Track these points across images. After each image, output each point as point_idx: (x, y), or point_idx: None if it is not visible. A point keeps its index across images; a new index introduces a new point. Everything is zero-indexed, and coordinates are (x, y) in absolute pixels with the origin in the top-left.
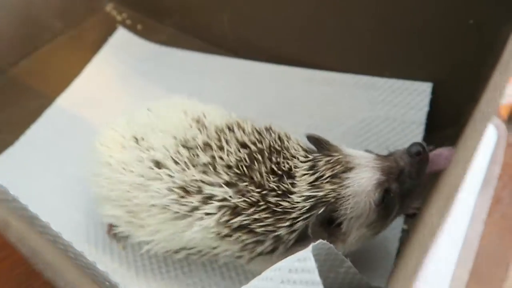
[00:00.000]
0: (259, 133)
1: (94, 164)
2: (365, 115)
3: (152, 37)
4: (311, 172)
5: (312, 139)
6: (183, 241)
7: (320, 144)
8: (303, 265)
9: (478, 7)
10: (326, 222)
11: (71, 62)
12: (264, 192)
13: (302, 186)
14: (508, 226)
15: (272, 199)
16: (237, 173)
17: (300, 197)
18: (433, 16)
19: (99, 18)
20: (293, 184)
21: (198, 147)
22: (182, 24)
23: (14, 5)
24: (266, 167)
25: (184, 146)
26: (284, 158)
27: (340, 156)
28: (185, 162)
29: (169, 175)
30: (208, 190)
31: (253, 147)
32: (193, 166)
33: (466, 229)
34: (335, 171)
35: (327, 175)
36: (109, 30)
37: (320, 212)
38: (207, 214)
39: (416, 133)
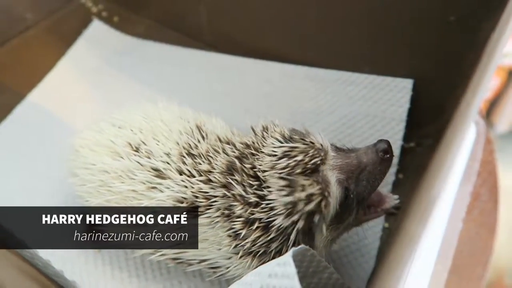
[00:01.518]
0: (244, 146)
1: (79, 169)
2: (345, 111)
3: (129, 29)
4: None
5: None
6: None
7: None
8: (283, 270)
9: (459, 4)
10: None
11: (43, 56)
12: (249, 208)
13: (274, 192)
14: (486, 223)
15: (257, 215)
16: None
17: (277, 203)
18: (415, 13)
19: (73, 10)
20: (264, 190)
21: (201, 155)
22: (160, 17)
23: None
24: (243, 184)
25: (188, 154)
26: (257, 160)
27: (312, 152)
28: (189, 171)
29: (171, 188)
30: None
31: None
32: (197, 175)
33: (445, 227)
34: (309, 167)
35: (300, 170)
36: (83, 22)
37: (318, 218)
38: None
39: (396, 130)
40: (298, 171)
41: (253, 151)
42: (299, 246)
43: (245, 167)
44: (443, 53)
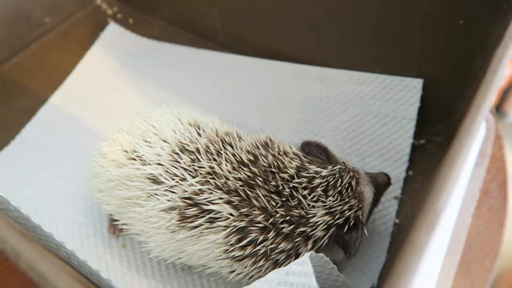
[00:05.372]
0: (257, 148)
1: (94, 178)
2: (357, 110)
3: (144, 31)
4: (325, 186)
5: (312, 145)
6: (193, 259)
7: (319, 152)
8: (301, 268)
9: (468, 8)
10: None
11: (62, 58)
12: (271, 219)
13: (317, 204)
14: (495, 218)
15: (286, 229)
16: (238, 196)
17: (319, 216)
18: (425, 16)
19: (90, 12)
20: (301, 205)
21: (200, 151)
22: (174, 18)
23: (2, 1)
24: (266, 191)
25: (183, 150)
26: (284, 179)
27: (346, 168)
28: (184, 169)
29: (166, 194)
30: (209, 208)
31: (250, 170)
32: (194, 175)
33: (454, 222)
34: (352, 183)
35: (345, 188)
36: (100, 25)
37: (360, 231)
38: (211, 232)
39: (407, 129)
40: (341, 189)
41: (273, 169)
42: (317, 254)
43: (267, 184)
44: (452, 54)
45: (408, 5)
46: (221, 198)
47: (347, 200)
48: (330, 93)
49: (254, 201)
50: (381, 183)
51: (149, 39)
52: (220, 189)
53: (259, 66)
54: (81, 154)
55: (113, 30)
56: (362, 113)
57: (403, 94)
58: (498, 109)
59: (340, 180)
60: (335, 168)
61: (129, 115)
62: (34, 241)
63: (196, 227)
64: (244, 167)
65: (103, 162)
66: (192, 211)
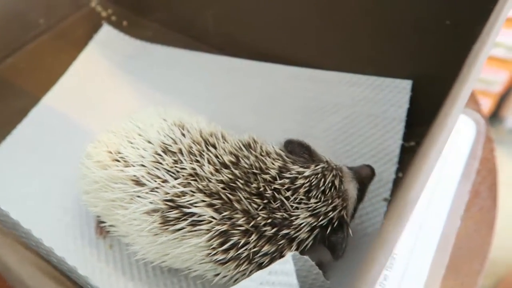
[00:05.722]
0: (240, 149)
1: (83, 181)
2: (348, 111)
3: (138, 33)
4: (307, 186)
5: (294, 144)
6: (177, 262)
7: (302, 150)
8: (282, 267)
9: (454, 9)
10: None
11: (57, 60)
12: (253, 222)
13: (300, 205)
14: (485, 220)
15: (268, 231)
16: (219, 199)
17: (303, 218)
18: (413, 17)
19: (84, 14)
20: (284, 207)
21: (183, 152)
22: (167, 20)
23: None
24: (247, 194)
25: (165, 152)
26: (265, 181)
27: (329, 167)
28: (167, 170)
29: (148, 196)
30: (190, 210)
31: (231, 172)
32: (176, 177)
33: (443, 223)
34: (335, 182)
35: (328, 187)
36: (94, 27)
37: (345, 232)
38: (193, 235)
39: (397, 129)
40: (325, 188)
41: (255, 171)
42: (301, 257)
43: (249, 186)
44: (440, 55)
45: (397, 8)
46: (203, 201)
47: (330, 200)
48: (321, 95)
49: (236, 204)
50: (365, 176)
51: (143, 41)
52: (202, 191)
53: (252, 68)
54: (72, 156)
55: (107, 32)
56: (353, 114)
57: (392, 96)
58: (495, 115)
59: (323, 180)
60: (317, 167)
61: (121, 116)
62: (5, 234)
63: (178, 230)
64: (226, 169)
65: (89, 163)
66: (174, 213)
